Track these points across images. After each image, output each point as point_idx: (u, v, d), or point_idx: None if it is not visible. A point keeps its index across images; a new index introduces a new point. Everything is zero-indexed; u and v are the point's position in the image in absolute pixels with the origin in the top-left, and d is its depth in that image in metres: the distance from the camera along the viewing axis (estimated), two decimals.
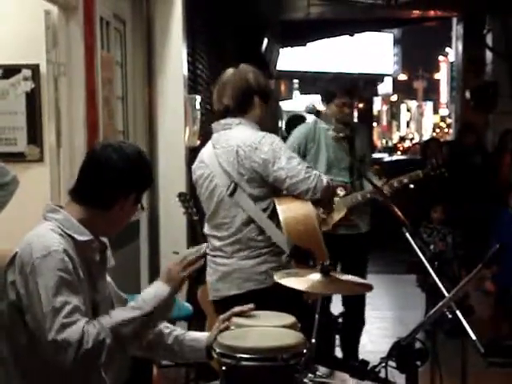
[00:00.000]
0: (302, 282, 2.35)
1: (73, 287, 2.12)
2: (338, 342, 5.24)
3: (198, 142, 5.78)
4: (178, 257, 2.31)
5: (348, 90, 4.74)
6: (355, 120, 9.60)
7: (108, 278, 2.46)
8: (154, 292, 2.23)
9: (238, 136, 3.28)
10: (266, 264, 3.24)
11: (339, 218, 4.63)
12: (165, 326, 2.48)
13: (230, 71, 3.42)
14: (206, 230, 3.47)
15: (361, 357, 5.08)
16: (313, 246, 3.07)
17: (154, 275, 5.51)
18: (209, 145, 3.43)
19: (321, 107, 4.84)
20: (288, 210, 3.19)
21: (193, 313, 4.51)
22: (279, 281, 2.37)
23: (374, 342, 5.87)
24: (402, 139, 37.21)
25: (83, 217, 2.26)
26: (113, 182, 2.26)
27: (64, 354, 2.03)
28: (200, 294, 4.14)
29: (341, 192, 3.24)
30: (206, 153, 3.41)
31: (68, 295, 2.09)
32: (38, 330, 2.08)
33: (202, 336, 2.46)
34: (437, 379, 2.62)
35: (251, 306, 2.42)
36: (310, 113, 4.35)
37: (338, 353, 5.21)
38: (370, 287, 2.41)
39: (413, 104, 59.93)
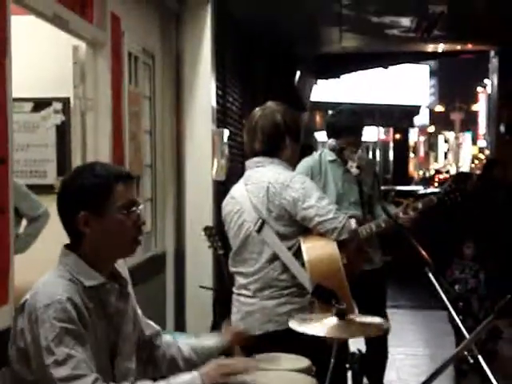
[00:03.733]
0: (318, 327, 2.30)
1: (77, 337, 2.07)
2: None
3: (225, 176, 5.78)
4: (226, 361, 2.27)
5: (352, 129, 4.60)
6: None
7: (138, 311, 2.43)
8: (189, 381, 2.16)
9: (269, 174, 3.29)
10: (287, 305, 3.21)
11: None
12: (168, 348, 2.48)
13: (258, 113, 3.41)
14: (231, 266, 3.46)
15: None
16: (336, 286, 3.02)
17: (179, 309, 5.50)
18: (240, 182, 3.45)
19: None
20: (313, 248, 3.17)
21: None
22: (294, 328, 2.33)
23: (404, 380, 5.77)
24: (438, 171, 36.89)
25: (85, 255, 2.22)
26: (60, 214, 2.24)
27: None
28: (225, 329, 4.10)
29: (353, 224, 3.20)
30: (237, 189, 3.43)
31: (72, 346, 2.04)
32: (42, 380, 2.04)
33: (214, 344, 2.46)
34: None
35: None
36: (332, 150, 4.28)
37: None
38: (386, 329, 2.35)
39: (451, 135, 59.58)
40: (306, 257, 3.15)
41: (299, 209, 3.19)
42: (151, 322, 2.53)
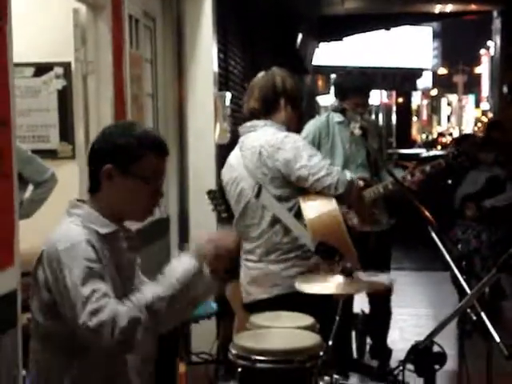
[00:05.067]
0: (325, 286, 2.32)
1: (99, 275, 2.12)
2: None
3: (228, 139, 5.77)
4: (210, 234, 2.26)
5: (361, 89, 4.61)
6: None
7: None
8: (181, 267, 2.17)
9: (261, 137, 3.32)
10: (294, 268, 3.25)
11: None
12: None
13: (260, 74, 3.50)
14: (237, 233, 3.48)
15: (393, 354, 5.04)
16: (338, 242, 3.04)
17: None
18: (236, 148, 3.47)
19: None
20: (312, 206, 3.19)
21: (221, 311, 4.50)
22: (301, 289, 2.35)
23: (407, 340, 5.82)
24: (441, 134, 36.79)
25: (99, 207, 2.27)
26: (89, 159, 2.30)
27: (100, 337, 2.03)
28: (229, 291, 4.13)
29: (348, 175, 3.22)
30: (233, 156, 3.47)
31: (95, 283, 2.09)
32: (73, 320, 2.08)
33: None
34: (464, 380, 2.57)
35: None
36: (335, 111, 4.27)
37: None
38: (389, 288, 2.37)
39: (453, 98, 59.27)
40: (305, 215, 3.18)
41: (293, 170, 3.21)
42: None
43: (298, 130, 4.16)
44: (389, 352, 5.00)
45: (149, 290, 2.15)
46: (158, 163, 2.30)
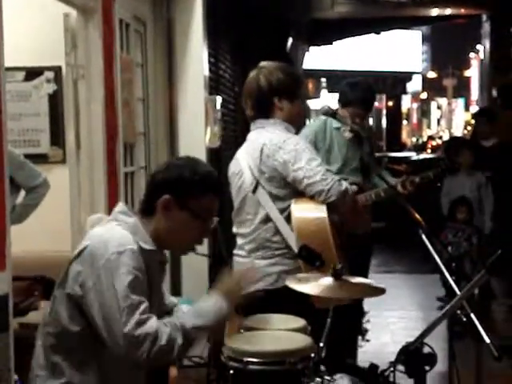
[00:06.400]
0: (313, 286, 2.33)
1: (144, 287, 2.18)
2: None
3: (219, 143, 5.79)
4: (236, 276, 2.41)
5: (365, 102, 4.68)
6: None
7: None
8: (213, 305, 2.26)
9: (266, 135, 3.30)
10: (277, 266, 3.24)
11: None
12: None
13: (248, 77, 3.43)
14: (234, 227, 3.49)
15: (384, 357, 5.03)
16: (322, 248, 3.03)
17: (176, 276, 5.53)
18: (245, 143, 3.46)
19: (337, 107, 4.73)
20: (302, 209, 3.19)
21: None
22: (290, 285, 2.36)
23: (398, 342, 5.82)
24: (431, 137, 36.91)
25: (146, 227, 2.32)
26: (150, 186, 2.37)
27: (139, 348, 2.07)
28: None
29: (344, 186, 3.21)
30: (241, 150, 3.45)
31: (141, 294, 2.15)
32: (109, 322, 2.11)
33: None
34: (455, 381, 2.59)
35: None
36: (325, 114, 4.29)
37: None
38: (382, 290, 2.38)
39: (443, 101, 59.45)
40: (293, 217, 3.17)
41: (290, 170, 3.21)
42: (171, 297, 2.66)
43: (300, 128, 4.16)
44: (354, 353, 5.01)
45: (189, 319, 2.20)
46: (214, 204, 2.37)
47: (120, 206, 2.37)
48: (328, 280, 2.35)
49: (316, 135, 4.63)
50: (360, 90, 4.71)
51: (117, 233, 2.24)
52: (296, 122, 3.45)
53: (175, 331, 2.14)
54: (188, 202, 2.31)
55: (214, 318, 2.22)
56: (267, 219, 3.27)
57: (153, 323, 2.11)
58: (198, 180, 2.32)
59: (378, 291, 2.50)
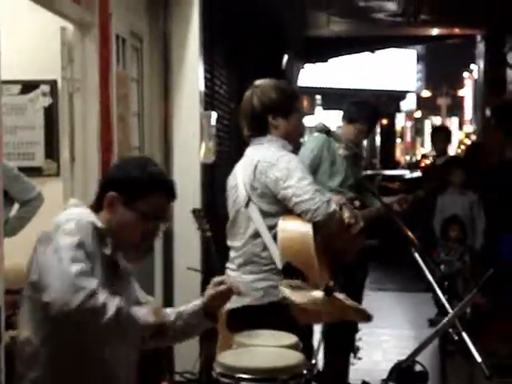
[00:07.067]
0: (302, 296, 2.33)
1: (88, 259, 2.18)
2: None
3: (214, 159, 5.79)
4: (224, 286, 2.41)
5: (370, 121, 4.85)
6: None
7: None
8: (146, 313, 2.26)
9: (262, 151, 3.33)
10: (264, 281, 3.24)
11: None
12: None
13: (244, 95, 3.44)
14: (228, 240, 3.50)
15: (376, 375, 5.04)
16: (305, 267, 3.03)
17: (168, 290, 5.52)
18: (242, 158, 3.49)
19: (333, 126, 4.82)
20: (287, 227, 3.19)
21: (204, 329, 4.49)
22: (282, 288, 2.36)
23: (390, 360, 5.81)
24: (425, 156, 37.02)
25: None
26: (100, 183, 2.44)
27: (73, 295, 2.06)
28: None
29: (332, 207, 3.20)
30: (239, 165, 3.48)
31: (83, 260, 2.15)
32: (53, 271, 2.11)
33: (196, 302, 2.51)
34: None
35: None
36: (319, 132, 4.32)
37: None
38: (368, 317, 2.33)
39: (437, 120, 59.65)
40: (278, 235, 3.17)
41: (280, 188, 3.21)
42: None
43: (301, 135, 4.19)
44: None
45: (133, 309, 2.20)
46: (162, 204, 2.36)
47: (73, 200, 2.44)
48: (319, 294, 2.34)
49: (322, 147, 4.67)
50: (366, 108, 4.89)
51: (68, 213, 2.29)
52: (293, 138, 3.46)
53: (113, 305, 2.11)
54: (134, 201, 2.31)
55: (140, 324, 2.19)
56: (256, 235, 3.28)
57: (95, 282, 2.11)
58: (145, 179, 2.32)
59: (365, 316, 2.41)
